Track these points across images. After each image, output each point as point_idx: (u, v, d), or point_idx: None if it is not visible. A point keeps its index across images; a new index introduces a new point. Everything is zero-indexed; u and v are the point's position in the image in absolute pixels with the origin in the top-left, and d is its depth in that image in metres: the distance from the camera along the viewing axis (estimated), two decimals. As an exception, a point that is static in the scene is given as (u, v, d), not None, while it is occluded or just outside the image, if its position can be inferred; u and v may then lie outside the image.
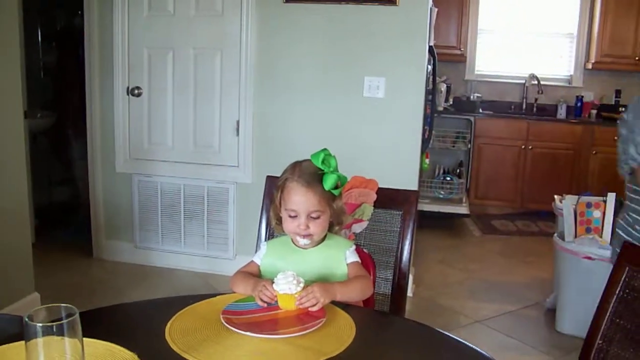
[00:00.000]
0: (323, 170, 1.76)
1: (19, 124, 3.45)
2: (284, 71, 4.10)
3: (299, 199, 1.75)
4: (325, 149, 1.79)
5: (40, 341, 1.11)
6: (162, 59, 4.27)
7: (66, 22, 5.81)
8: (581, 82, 6.65)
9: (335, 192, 1.77)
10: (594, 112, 6.47)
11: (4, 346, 1.36)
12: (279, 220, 1.83)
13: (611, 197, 3.49)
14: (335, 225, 1.85)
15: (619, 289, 1.60)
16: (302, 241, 1.78)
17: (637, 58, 6.19)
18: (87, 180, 4.59)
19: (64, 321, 1.12)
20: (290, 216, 1.76)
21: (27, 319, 1.11)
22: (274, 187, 1.84)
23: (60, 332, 1.12)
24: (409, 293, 3.98)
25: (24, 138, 3.55)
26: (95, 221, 4.58)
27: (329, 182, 1.75)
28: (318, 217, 1.76)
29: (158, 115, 4.34)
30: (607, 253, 3.33)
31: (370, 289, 1.82)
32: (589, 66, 6.49)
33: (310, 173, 1.76)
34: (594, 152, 6.08)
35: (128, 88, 4.32)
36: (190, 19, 4.17)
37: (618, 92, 6.52)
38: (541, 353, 3.40)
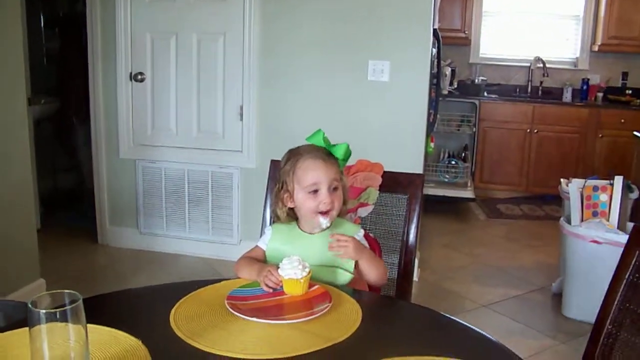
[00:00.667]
0: (329, 143, 1.79)
1: (23, 110, 3.44)
2: (288, 55, 4.08)
3: (320, 172, 1.74)
4: (319, 129, 1.81)
5: (44, 327, 1.10)
6: (165, 44, 4.24)
7: (69, 8, 5.78)
8: (587, 65, 6.60)
9: (343, 163, 1.80)
10: (600, 95, 6.42)
11: (8, 332, 1.36)
12: (287, 207, 1.80)
13: (618, 180, 3.47)
14: (343, 203, 1.83)
15: (628, 273, 1.58)
16: (324, 221, 1.74)
17: (644, 40, 6.14)
18: (91, 167, 4.58)
19: (68, 307, 1.12)
20: (310, 193, 1.74)
21: (30, 306, 1.11)
22: (280, 176, 1.81)
23: (63, 319, 1.11)
24: (414, 277, 3.98)
25: (27, 125, 3.54)
26: (100, 207, 4.58)
27: (341, 151, 1.79)
28: (337, 189, 1.76)
29: (161, 100, 4.32)
30: (614, 237, 3.31)
31: (386, 275, 1.83)
32: (595, 48, 6.44)
33: (318, 149, 1.78)
34: (600, 135, 6.05)
35: (131, 74, 4.30)
36: (193, 4, 4.14)
37: (625, 75, 6.47)
38: (547, 337, 3.40)
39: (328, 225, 1.75)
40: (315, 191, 1.74)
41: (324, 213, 1.74)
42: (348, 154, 1.82)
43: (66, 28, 5.74)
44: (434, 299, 3.86)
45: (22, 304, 1.71)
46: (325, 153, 1.78)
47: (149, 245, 4.50)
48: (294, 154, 1.79)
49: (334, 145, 1.80)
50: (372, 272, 1.76)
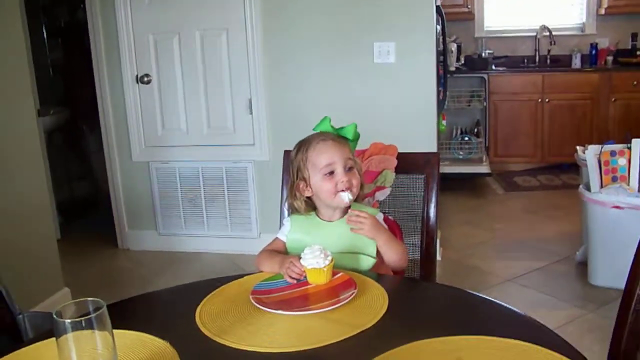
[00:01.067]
0: (335, 128, 1.80)
1: (33, 123, 3.46)
2: (292, 44, 4.06)
3: (333, 151, 1.74)
4: (325, 117, 1.82)
5: (70, 336, 1.10)
6: (169, 44, 4.23)
7: (69, 18, 5.79)
8: (594, 29, 6.52)
9: (354, 144, 1.82)
10: (610, 58, 6.33)
11: (38, 343, 1.37)
12: (305, 197, 1.79)
13: (636, 143, 3.42)
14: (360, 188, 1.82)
15: (655, 235, 1.55)
16: (346, 195, 1.72)
17: (652, -1, 6.05)
18: (105, 173, 4.59)
19: (92, 315, 1.11)
20: (325, 175, 1.73)
21: (55, 316, 1.11)
22: (293, 166, 1.81)
23: (89, 326, 1.11)
24: (437, 257, 3.96)
25: (39, 136, 3.55)
26: (117, 212, 4.60)
27: (350, 132, 1.80)
28: (352, 168, 1.75)
29: (169, 100, 4.32)
30: (636, 201, 3.28)
31: (407, 257, 1.82)
32: (602, 12, 6.36)
33: (325, 132, 1.79)
34: (613, 99, 5.98)
35: (137, 76, 4.30)
36: (193, 1, 4.12)
37: (634, 36, 6.38)
38: (575, 307, 3.37)
39: (351, 199, 1.73)
40: (331, 172, 1.73)
41: (344, 190, 1.73)
42: (357, 135, 1.83)
43: (69, 37, 5.76)
44: (458, 277, 3.84)
45: (48, 314, 1.72)
46: (336, 135, 1.79)
47: (169, 245, 4.51)
48: (304, 143, 1.80)
49: (342, 128, 1.81)
50: (391, 254, 1.75)
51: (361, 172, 1.82)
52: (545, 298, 3.51)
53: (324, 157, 1.74)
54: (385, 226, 1.80)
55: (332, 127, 1.81)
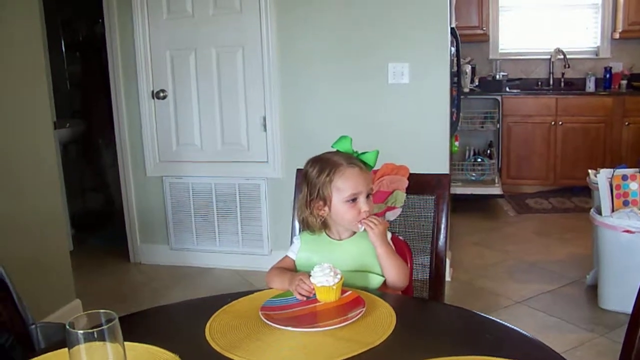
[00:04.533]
0: (357, 152, 1.81)
1: (49, 135, 3.50)
2: (307, 63, 4.09)
3: (360, 181, 1.75)
4: (344, 135, 1.83)
5: (82, 347, 1.12)
6: (185, 60, 4.28)
7: (88, 31, 5.87)
8: (609, 53, 6.53)
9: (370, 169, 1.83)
10: (624, 82, 6.33)
11: (49, 354, 1.38)
12: (321, 217, 1.80)
13: (647, 167, 3.42)
14: None
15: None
16: (362, 227, 1.76)
17: (665, 24, 6.06)
18: (119, 186, 4.63)
19: (104, 327, 1.13)
20: (348, 202, 1.75)
21: (68, 327, 1.12)
22: (312, 185, 1.79)
23: (101, 338, 1.13)
24: (447, 278, 3.96)
25: (55, 149, 3.59)
26: (130, 226, 4.63)
27: (372, 159, 1.81)
28: (369, 196, 1.78)
29: (184, 116, 4.36)
30: (647, 225, 3.27)
31: (407, 277, 1.81)
32: (616, 36, 6.37)
33: (352, 156, 1.80)
34: (626, 123, 5.97)
35: (153, 92, 4.35)
36: (210, 19, 4.17)
37: (648, 60, 6.39)
38: (585, 331, 3.35)
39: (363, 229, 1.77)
40: (354, 200, 1.75)
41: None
42: (376, 162, 1.84)
43: (87, 51, 5.84)
44: (468, 298, 3.83)
45: (60, 325, 1.74)
46: (360, 162, 1.79)
47: (180, 260, 4.53)
48: (329, 164, 1.77)
49: (364, 153, 1.81)
50: (390, 268, 1.76)
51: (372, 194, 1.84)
52: (555, 321, 3.50)
53: (350, 185, 1.74)
54: (392, 244, 1.81)
55: (352, 149, 1.81)
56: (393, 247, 1.80)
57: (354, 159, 1.78)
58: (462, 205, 5.64)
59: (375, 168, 1.89)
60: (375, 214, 1.82)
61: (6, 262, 1.85)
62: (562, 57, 6.41)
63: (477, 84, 6.44)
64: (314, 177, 1.79)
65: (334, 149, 1.82)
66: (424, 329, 1.53)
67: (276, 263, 1.87)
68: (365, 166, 1.79)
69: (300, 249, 1.84)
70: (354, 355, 1.33)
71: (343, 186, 1.75)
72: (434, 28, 3.87)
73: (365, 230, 1.75)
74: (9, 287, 1.80)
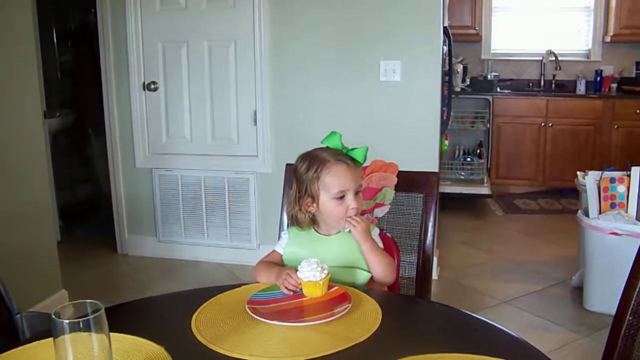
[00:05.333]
0: (346, 148, 1.79)
1: (39, 124, 3.48)
2: (299, 59, 4.09)
3: (349, 178, 1.74)
4: (333, 131, 1.81)
5: (67, 337, 1.12)
6: (177, 53, 4.27)
7: (80, 21, 5.84)
8: (600, 56, 6.56)
9: (360, 165, 1.81)
10: (614, 85, 6.37)
11: (34, 343, 1.38)
12: (310, 213, 1.80)
13: (635, 171, 3.44)
14: None
15: (647, 263, 1.57)
16: (348, 227, 1.76)
17: (657, 28, 6.08)
18: (108, 177, 4.62)
19: (90, 317, 1.13)
20: (336, 199, 1.74)
21: (54, 316, 1.12)
22: (300, 181, 1.79)
23: (87, 328, 1.12)
24: (434, 276, 3.97)
25: (44, 138, 3.57)
26: (118, 217, 4.62)
27: (361, 155, 1.79)
28: (358, 193, 1.77)
29: (175, 109, 4.35)
30: (634, 228, 3.29)
31: (393, 272, 1.81)
32: (608, 39, 6.40)
33: (340, 153, 1.78)
34: (615, 126, 6.00)
35: (144, 83, 4.34)
36: (202, 12, 4.16)
37: (638, 64, 6.41)
38: (569, 331, 3.38)
39: None
40: (342, 197, 1.74)
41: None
42: (365, 158, 1.83)
43: (79, 41, 5.81)
44: (454, 297, 3.85)
45: (46, 315, 1.74)
46: (349, 158, 1.77)
47: (168, 252, 4.52)
48: (317, 160, 1.77)
49: (353, 149, 1.80)
50: (376, 263, 1.75)
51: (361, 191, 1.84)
52: (540, 321, 3.52)
53: (337, 181, 1.73)
54: (379, 240, 1.82)
55: (342, 144, 1.81)
56: (380, 243, 1.81)
57: (342, 155, 1.77)
58: (451, 204, 5.66)
59: (364, 164, 1.89)
60: (363, 211, 1.82)
61: (-8, 251, 1.84)
62: (553, 59, 6.44)
63: (468, 83, 6.46)
64: (302, 174, 1.79)
65: (324, 145, 1.82)
66: (410, 326, 1.54)
67: (264, 257, 1.87)
68: (354, 162, 1.77)
69: (288, 244, 1.84)
70: (339, 351, 1.33)
71: (330, 183, 1.74)
72: (427, 26, 3.87)
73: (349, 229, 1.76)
74: (-6, 276, 1.79)
